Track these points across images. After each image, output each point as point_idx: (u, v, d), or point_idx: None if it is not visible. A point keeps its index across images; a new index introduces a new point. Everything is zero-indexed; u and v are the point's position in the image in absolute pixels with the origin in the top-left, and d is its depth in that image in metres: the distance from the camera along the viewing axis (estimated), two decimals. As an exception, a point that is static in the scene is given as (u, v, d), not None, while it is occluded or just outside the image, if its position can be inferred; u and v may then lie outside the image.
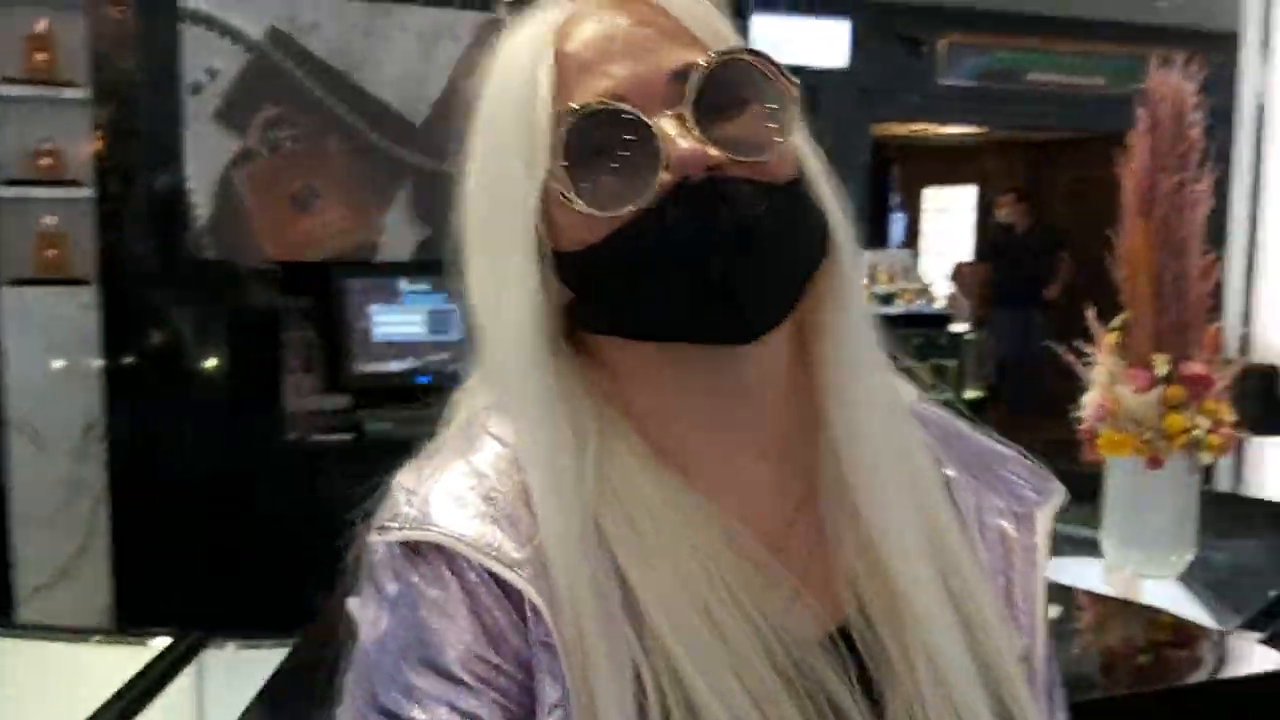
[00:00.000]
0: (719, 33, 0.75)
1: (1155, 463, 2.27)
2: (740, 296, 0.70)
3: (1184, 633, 2.06)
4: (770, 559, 0.73)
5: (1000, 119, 8.64)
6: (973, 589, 0.77)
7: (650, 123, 0.70)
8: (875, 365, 0.78)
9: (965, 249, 10.50)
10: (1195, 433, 2.25)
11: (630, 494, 0.72)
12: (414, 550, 0.71)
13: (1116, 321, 2.36)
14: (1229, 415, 2.29)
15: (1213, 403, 2.28)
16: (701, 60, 0.71)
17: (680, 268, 0.70)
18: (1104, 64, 8.45)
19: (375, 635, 0.70)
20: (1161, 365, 2.27)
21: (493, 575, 0.69)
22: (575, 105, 0.70)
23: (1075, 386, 2.41)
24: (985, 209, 10.06)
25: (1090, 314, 2.38)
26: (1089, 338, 2.37)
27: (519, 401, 0.73)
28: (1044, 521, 0.84)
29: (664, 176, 0.69)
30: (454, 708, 0.67)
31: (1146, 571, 2.34)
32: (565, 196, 0.70)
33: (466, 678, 0.67)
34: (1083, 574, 2.37)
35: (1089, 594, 2.28)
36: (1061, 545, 2.31)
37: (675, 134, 0.69)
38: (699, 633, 0.68)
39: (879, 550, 0.74)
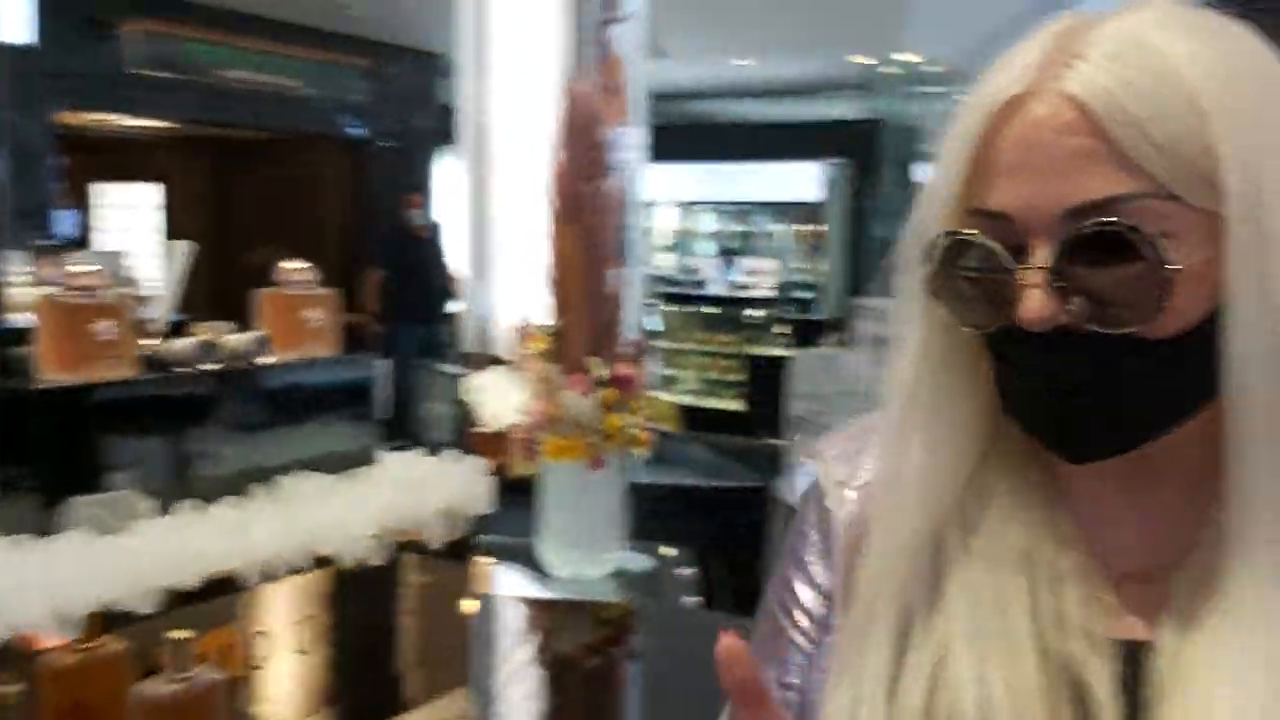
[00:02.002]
0: (1161, 145, 0.68)
1: (598, 463, 2.32)
2: (1062, 440, 0.74)
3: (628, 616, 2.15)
4: (1086, 555, 0.77)
5: (188, 113, 8.26)
6: None
7: (1012, 269, 0.71)
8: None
9: (148, 250, 9.85)
10: (631, 431, 2.33)
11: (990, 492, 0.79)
12: None
13: (550, 327, 2.36)
14: (660, 410, 2.41)
15: (637, 400, 2.38)
16: (1097, 209, 0.69)
17: (1017, 395, 0.75)
18: (299, 66, 8.51)
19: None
20: (598, 368, 2.31)
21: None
22: (949, 229, 0.74)
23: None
24: (173, 208, 9.53)
25: (523, 321, 2.36)
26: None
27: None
28: None
29: (1013, 313, 0.71)
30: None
31: (586, 570, 2.37)
32: (938, 288, 0.75)
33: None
34: (515, 582, 2.33)
35: (538, 602, 2.26)
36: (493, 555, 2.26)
37: (1032, 284, 0.70)
38: (979, 596, 0.77)
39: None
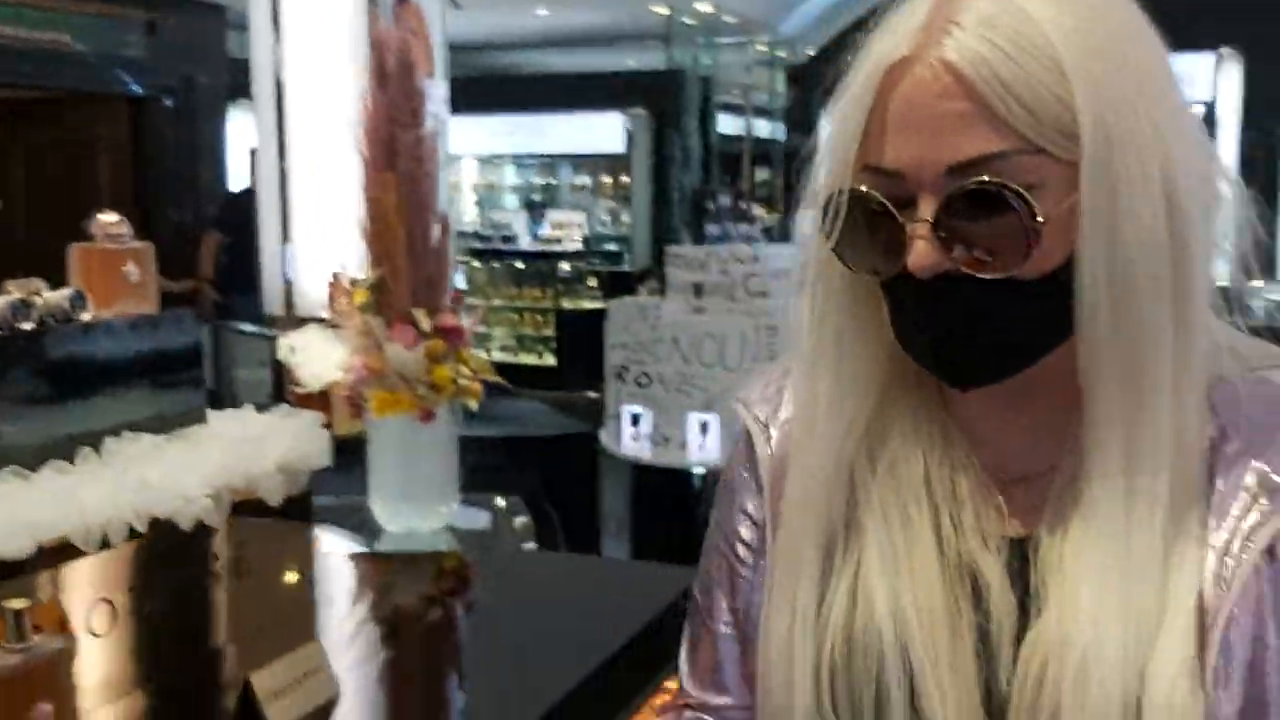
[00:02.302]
0: (1028, 104, 0.76)
1: (428, 416, 2.29)
2: (946, 371, 0.84)
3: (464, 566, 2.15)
4: (977, 465, 0.88)
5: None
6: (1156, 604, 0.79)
7: (901, 223, 0.79)
8: (1156, 375, 0.80)
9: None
10: (461, 382, 2.31)
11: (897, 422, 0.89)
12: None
13: (369, 279, 2.31)
14: (479, 364, 2.39)
15: (465, 352, 2.36)
16: (973, 166, 0.76)
17: (908, 333, 0.83)
18: (70, 20, 7.98)
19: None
20: (424, 320, 2.28)
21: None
22: (845, 182, 0.81)
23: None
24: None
25: (337, 276, 2.30)
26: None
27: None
28: None
29: (904, 261, 0.79)
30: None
31: (419, 524, 2.35)
32: (839, 239, 0.83)
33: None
34: (348, 543, 2.29)
35: (374, 557, 2.24)
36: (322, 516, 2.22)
37: (919, 237, 0.78)
38: (887, 510, 0.87)
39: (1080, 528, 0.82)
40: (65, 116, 8.73)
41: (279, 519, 1.53)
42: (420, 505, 2.35)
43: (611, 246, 11.20)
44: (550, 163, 11.69)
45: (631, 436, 4.89)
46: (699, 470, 4.75)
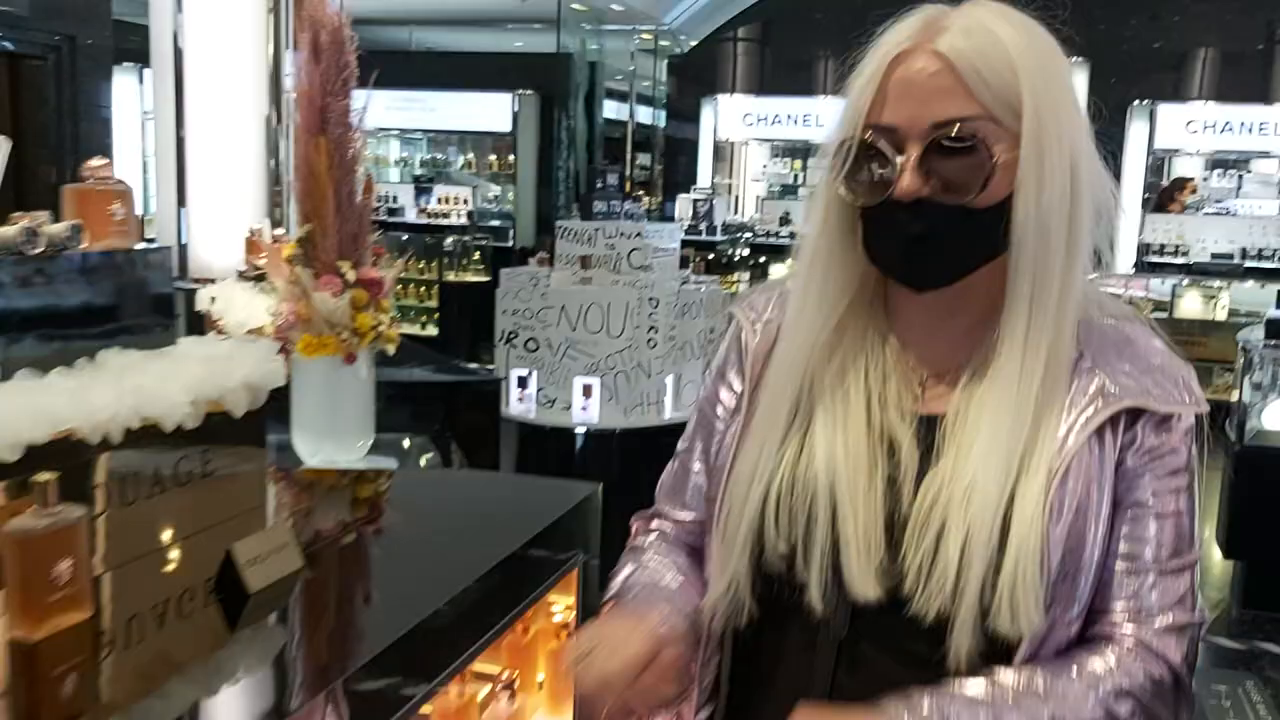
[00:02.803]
0: (996, 81, 1.12)
1: (351, 359, 2.53)
2: (912, 274, 1.18)
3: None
4: (906, 364, 1.23)
5: None
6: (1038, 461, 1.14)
7: (896, 163, 1.13)
8: (1047, 293, 1.15)
9: None
10: (381, 328, 2.56)
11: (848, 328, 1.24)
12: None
13: (299, 233, 2.54)
14: (392, 311, 2.64)
15: (385, 301, 2.61)
16: (950, 123, 1.12)
17: (886, 245, 1.17)
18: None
19: None
20: (349, 271, 2.52)
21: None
22: (857, 130, 1.15)
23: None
24: None
25: (254, 233, 2.51)
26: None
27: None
28: (1183, 428, 1.19)
29: (891, 191, 1.13)
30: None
31: (338, 458, 2.59)
32: (845, 179, 1.17)
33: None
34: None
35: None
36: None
37: (908, 169, 1.12)
38: (834, 391, 1.22)
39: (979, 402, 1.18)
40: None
41: (239, 429, 1.77)
42: (340, 440, 2.58)
43: (496, 223, 11.39)
44: (438, 139, 11.82)
45: (519, 398, 5.17)
46: (581, 430, 5.05)
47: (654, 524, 1.40)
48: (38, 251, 1.53)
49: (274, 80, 5.64)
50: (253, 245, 3.43)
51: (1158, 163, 11.60)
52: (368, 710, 1.44)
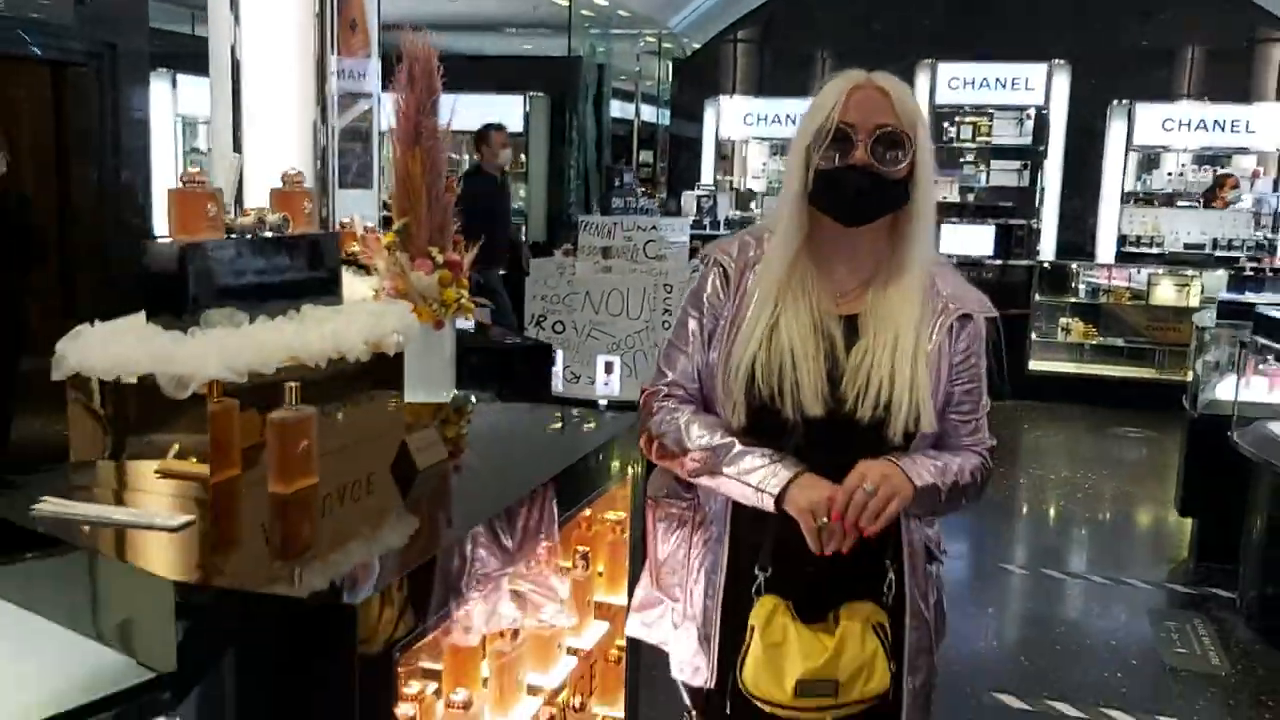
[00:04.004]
0: (908, 110, 1.96)
1: (439, 325, 3.17)
2: (854, 214, 1.99)
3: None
4: (833, 285, 2.05)
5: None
6: (920, 350, 1.94)
7: (857, 142, 1.94)
8: (922, 240, 2.01)
9: None
10: (462, 301, 3.21)
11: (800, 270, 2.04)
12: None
13: (397, 225, 3.18)
14: (469, 289, 3.28)
15: (465, 280, 3.25)
16: (888, 127, 1.94)
17: (839, 194, 1.96)
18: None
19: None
20: (438, 254, 3.17)
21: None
22: (833, 123, 1.95)
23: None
24: None
25: (357, 220, 3.14)
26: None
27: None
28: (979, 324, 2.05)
29: (850, 159, 1.94)
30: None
31: (431, 400, 3.23)
32: (821, 154, 1.96)
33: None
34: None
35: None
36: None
37: (860, 147, 1.93)
38: (793, 296, 2.01)
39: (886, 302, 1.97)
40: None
41: (388, 365, 2.44)
42: (430, 388, 3.23)
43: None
44: (455, 139, 12.35)
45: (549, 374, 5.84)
46: (603, 402, 5.71)
47: (664, 391, 2.10)
48: (268, 234, 2.19)
49: (320, 85, 6.25)
50: (347, 236, 4.08)
51: (1146, 159, 12.05)
52: (501, 542, 2.09)
